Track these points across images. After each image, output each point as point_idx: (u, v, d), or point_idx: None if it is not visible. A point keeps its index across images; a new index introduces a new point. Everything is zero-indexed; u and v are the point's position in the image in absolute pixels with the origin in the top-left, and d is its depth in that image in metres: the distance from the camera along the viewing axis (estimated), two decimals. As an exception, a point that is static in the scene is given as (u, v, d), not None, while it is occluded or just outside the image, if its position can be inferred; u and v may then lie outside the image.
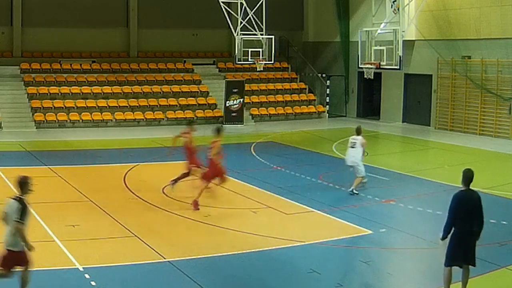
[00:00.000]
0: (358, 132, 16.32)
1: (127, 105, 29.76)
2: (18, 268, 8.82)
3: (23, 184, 8.78)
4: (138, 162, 20.03)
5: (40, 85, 29.38)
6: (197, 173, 15.17)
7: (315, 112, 33.49)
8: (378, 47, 24.54)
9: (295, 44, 36.39)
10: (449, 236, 9.00)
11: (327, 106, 34.04)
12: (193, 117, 15.31)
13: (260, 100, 32.67)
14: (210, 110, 31.12)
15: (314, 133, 28.41)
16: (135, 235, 12.13)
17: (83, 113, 28.64)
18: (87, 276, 9.84)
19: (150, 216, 13.83)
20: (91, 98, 29.56)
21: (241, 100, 30.22)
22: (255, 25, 28.14)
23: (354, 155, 16.17)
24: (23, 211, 8.56)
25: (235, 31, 28.39)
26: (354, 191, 15.92)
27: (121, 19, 32.97)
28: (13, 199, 8.68)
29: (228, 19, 28.01)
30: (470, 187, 9.07)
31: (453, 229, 8.97)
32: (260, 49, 28.68)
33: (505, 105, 25.62)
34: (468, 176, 9.04)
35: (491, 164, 20.53)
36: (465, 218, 8.87)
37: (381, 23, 24.76)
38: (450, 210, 8.98)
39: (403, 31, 24.21)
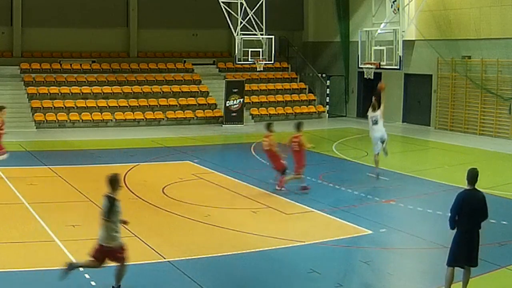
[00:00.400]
0: (374, 108, 17.30)
1: (127, 105, 29.76)
2: (113, 263, 9.19)
3: (113, 181, 9.07)
4: (138, 162, 20.03)
5: (40, 85, 29.38)
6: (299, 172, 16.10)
7: (315, 112, 33.49)
8: (378, 47, 24.53)
9: (295, 44, 36.39)
10: (453, 236, 9.01)
11: (327, 106, 34.04)
12: (271, 122, 16.83)
13: (260, 100, 32.67)
14: (210, 110, 31.12)
15: (314, 133, 28.36)
16: (135, 235, 12.12)
17: (83, 113, 28.64)
18: (87, 276, 9.83)
19: (150, 216, 13.83)
20: (91, 98, 29.57)
21: (241, 100, 30.22)
22: (255, 25, 28.14)
23: (380, 129, 17.21)
24: (110, 208, 8.91)
25: (235, 31, 28.39)
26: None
27: (121, 19, 32.97)
28: (105, 197, 9.04)
29: (228, 19, 28.01)
30: (475, 187, 9.05)
31: (456, 228, 8.97)
32: (260, 49, 28.68)
33: (505, 105, 25.62)
34: (472, 175, 9.02)
35: (491, 164, 20.52)
36: (468, 218, 8.86)
37: (381, 23, 24.75)
38: (452, 209, 8.97)
39: (403, 31, 24.20)
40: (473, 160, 20.48)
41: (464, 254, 8.93)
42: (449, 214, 9.03)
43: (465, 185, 9.14)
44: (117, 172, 9.37)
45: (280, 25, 33.31)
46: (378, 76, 29.72)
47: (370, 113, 17.53)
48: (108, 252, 9.06)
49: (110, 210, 8.92)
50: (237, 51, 28.57)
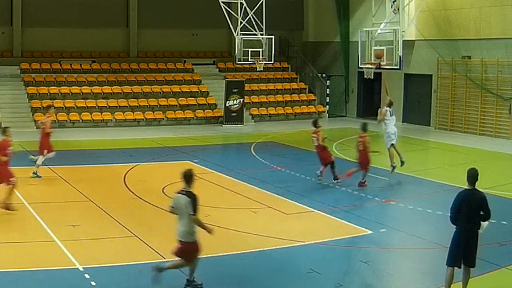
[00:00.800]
0: (391, 104, 18.75)
1: (127, 105, 29.77)
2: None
3: (189, 177, 9.34)
4: (138, 162, 20.03)
5: (40, 85, 29.38)
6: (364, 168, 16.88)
7: (315, 112, 33.48)
8: (378, 47, 24.51)
9: (295, 44, 36.40)
10: (452, 235, 9.02)
11: (327, 106, 34.04)
12: (317, 118, 19.03)
13: (260, 100, 32.67)
14: (210, 110, 31.12)
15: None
16: (135, 235, 12.13)
17: (83, 113, 28.65)
18: (87, 276, 9.84)
19: (150, 216, 13.83)
20: (91, 98, 29.57)
21: (241, 100, 30.22)
22: (255, 25, 28.12)
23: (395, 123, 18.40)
24: (194, 203, 9.13)
25: (235, 31, 28.38)
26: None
27: (121, 19, 32.98)
28: (181, 193, 9.26)
29: (228, 19, 28.00)
30: (476, 187, 9.05)
31: (455, 228, 8.98)
32: (260, 49, 28.65)
33: (505, 105, 25.62)
34: (472, 175, 9.03)
35: (491, 164, 20.51)
36: (467, 218, 8.87)
37: (381, 23, 24.72)
38: (452, 208, 8.99)
39: (403, 31, 24.16)
40: (473, 160, 20.48)
41: (461, 253, 8.94)
42: (450, 212, 9.05)
43: (465, 185, 9.15)
44: (191, 168, 9.64)
45: (280, 25, 33.30)
46: (378, 76, 29.76)
47: (388, 109, 18.55)
48: (191, 247, 9.28)
49: (195, 206, 9.13)
50: (237, 51, 28.55)
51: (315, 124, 17.50)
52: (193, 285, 9.51)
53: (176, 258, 9.48)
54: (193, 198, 9.16)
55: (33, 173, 17.14)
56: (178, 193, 9.35)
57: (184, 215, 9.22)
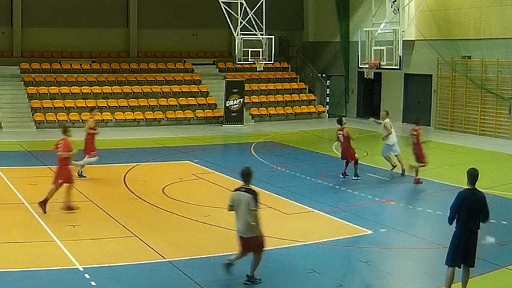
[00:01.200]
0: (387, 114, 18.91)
1: (127, 105, 29.76)
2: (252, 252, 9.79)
3: (247, 174, 9.71)
4: (138, 162, 20.03)
5: (40, 85, 29.38)
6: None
7: (315, 112, 33.49)
8: (378, 47, 24.52)
9: (295, 44, 36.39)
10: (451, 235, 9.01)
11: (327, 106, 34.03)
12: (341, 116, 19.60)
13: (260, 100, 32.67)
14: (210, 110, 31.12)
15: (314, 133, 28.41)
16: (135, 235, 12.13)
17: (83, 113, 28.61)
18: (87, 276, 9.84)
19: (150, 216, 13.83)
20: (91, 98, 29.56)
21: (241, 100, 30.21)
22: (255, 25, 28.12)
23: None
24: (255, 199, 9.48)
25: (235, 31, 28.38)
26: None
27: (121, 19, 32.98)
28: (240, 191, 9.59)
29: (228, 19, 28.00)
30: (476, 187, 9.06)
31: (455, 228, 8.97)
32: (260, 49, 28.64)
33: (505, 105, 25.61)
34: (472, 175, 9.03)
35: (491, 164, 20.50)
36: (467, 217, 8.88)
37: (381, 23, 24.73)
38: (452, 207, 9.00)
39: (403, 31, 24.18)
40: (473, 160, 20.47)
41: (460, 253, 8.93)
42: (448, 212, 9.04)
43: (465, 185, 9.15)
44: (248, 166, 9.92)
45: (280, 25, 33.30)
46: (378, 76, 29.78)
47: (388, 121, 18.57)
48: (252, 242, 9.61)
49: (257, 201, 9.47)
50: (237, 51, 28.55)
51: (339, 122, 17.92)
52: (253, 280, 9.78)
53: (238, 253, 9.84)
54: (254, 194, 9.51)
55: (78, 174, 16.97)
56: (237, 190, 9.68)
57: (244, 212, 9.51)
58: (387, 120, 18.55)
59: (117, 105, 29.58)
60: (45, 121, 27.73)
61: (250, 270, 9.78)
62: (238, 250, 9.85)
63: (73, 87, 29.76)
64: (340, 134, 17.75)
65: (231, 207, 9.73)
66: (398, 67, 24.24)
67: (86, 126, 17.61)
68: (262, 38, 28.52)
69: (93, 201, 14.79)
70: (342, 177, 17.65)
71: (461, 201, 8.92)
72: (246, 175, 9.72)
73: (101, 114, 28.89)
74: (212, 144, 25.38)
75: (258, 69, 29.31)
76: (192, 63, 33.85)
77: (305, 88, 34.57)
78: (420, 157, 17.29)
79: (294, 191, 16.16)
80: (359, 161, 17.93)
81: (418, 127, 17.48)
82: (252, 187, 9.68)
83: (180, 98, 31.06)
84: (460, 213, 8.89)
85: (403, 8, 24.55)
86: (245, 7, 27.89)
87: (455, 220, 9.00)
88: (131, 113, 29.58)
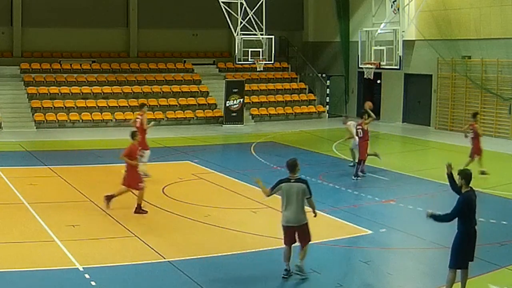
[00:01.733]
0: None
1: (127, 105, 29.75)
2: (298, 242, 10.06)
3: (294, 165, 10.18)
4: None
5: (40, 85, 29.38)
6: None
7: (315, 112, 33.49)
8: (378, 47, 24.52)
9: (295, 44, 36.39)
10: (454, 238, 8.98)
11: (327, 106, 34.03)
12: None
13: (260, 100, 32.67)
14: (210, 110, 31.12)
15: (314, 133, 28.41)
16: (135, 235, 12.13)
17: (83, 113, 28.64)
18: (87, 276, 9.84)
19: (150, 216, 13.82)
20: (91, 98, 29.56)
21: (241, 100, 30.21)
22: (255, 25, 28.13)
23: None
24: (309, 187, 10.00)
25: (235, 31, 28.38)
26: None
27: (121, 19, 32.97)
28: (290, 181, 9.97)
29: (228, 19, 28.00)
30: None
31: (457, 230, 8.93)
32: (260, 49, 28.65)
33: (505, 105, 25.61)
34: (469, 176, 9.06)
35: (491, 164, 20.48)
36: (470, 219, 8.89)
37: (381, 23, 24.74)
38: (456, 210, 8.86)
39: (403, 31, 24.18)
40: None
41: (465, 255, 8.91)
42: (448, 212, 8.96)
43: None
44: (295, 158, 10.40)
45: (280, 25, 33.30)
46: (378, 76, 29.79)
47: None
48: (304, 229, 9.97)
49: (310, 189, 9.97)
50: (237, 51, 28.56)
51: (361, 115, 18.32)
52: (304, 272, 10.03)
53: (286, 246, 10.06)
54: (306, 183, 10.04)
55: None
56: (285, 182, 10.01)
57: (295, 201, 9.85)
58: (349, 123, 19.14)
59: (117, 105, 29.57)
60: (45, 121, 27.73)
61: (300, 259, 10.01)
62: (284, 242, 10.07)
63: (73, 87, 29.75)
64: (359, 129, 17.98)
65: (276, 194, 10.13)
66: (398, 67, 24.25)
67: (143, 123, 17.30)
68: (262, 38, 28.53)
69: (93, 201, 14.79)
70: (360, 176, 17.77)
71: (466, 205, 8.89)
72: (293, 166, 10.11)
73: (101, 114, 28.94)
74: (212, 144, 25.37)
75: (258, 69, 29.31)
76: (192, 63, 33.85)
77: (305, 88, 34.57)
78: (478, 151, 17.81)
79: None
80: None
81: (474, 122, 18.08)
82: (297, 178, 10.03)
83: (180, 98, 31.06)
84: (466, 215, 8.84)
85: (403, 8, 24.55)
86: (245, 7, 27.89)
87: (455, 222, 8.98)
88: (131, 113, 29.51)
